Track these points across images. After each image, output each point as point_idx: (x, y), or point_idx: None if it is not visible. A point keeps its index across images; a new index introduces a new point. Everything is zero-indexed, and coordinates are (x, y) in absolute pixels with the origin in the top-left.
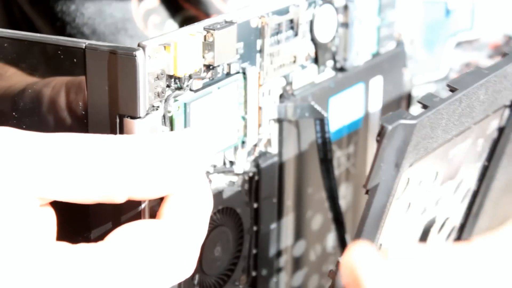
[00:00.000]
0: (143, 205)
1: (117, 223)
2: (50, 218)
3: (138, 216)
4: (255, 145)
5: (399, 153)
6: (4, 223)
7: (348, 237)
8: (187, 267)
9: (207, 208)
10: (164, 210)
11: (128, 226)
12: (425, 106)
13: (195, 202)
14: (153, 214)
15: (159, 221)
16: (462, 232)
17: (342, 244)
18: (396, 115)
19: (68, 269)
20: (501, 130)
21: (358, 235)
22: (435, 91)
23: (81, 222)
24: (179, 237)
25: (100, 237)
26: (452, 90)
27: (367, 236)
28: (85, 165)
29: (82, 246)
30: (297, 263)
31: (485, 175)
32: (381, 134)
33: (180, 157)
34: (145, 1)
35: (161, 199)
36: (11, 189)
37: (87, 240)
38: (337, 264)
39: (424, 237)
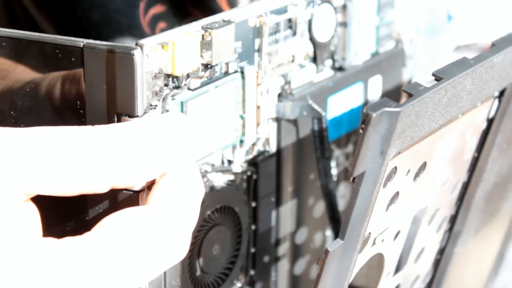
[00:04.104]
0: (141, 192)
1: (115, 210)
2: (34, 214)
3: (136, 201)
4: (254, 144)
5: (384, 141)
6: None
7: None
8: (178, 253)
9: (197, 192)
10: (152, 196)
11: (114, 216)
12: (410, 95)
13: (183, 187)
14: None
15: (146, 207)
16: (454, 224)
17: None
18: (380, 103)
19: (56, 264)
20: (490, 121)
21: (345, 223)
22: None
23: (78, 211)
24: (167, 223)
25: None
26: (438, 79)
27: (355, 224)
28: (65, 157)
29: (68, 239)
30: (296, 262)
31: (475, 166)
32: (365, 121)
33: (159, 140)
34: (153, 8)
35: None
36: None
37: (85, 228)
38: (326, 252)
39: (415, 227)
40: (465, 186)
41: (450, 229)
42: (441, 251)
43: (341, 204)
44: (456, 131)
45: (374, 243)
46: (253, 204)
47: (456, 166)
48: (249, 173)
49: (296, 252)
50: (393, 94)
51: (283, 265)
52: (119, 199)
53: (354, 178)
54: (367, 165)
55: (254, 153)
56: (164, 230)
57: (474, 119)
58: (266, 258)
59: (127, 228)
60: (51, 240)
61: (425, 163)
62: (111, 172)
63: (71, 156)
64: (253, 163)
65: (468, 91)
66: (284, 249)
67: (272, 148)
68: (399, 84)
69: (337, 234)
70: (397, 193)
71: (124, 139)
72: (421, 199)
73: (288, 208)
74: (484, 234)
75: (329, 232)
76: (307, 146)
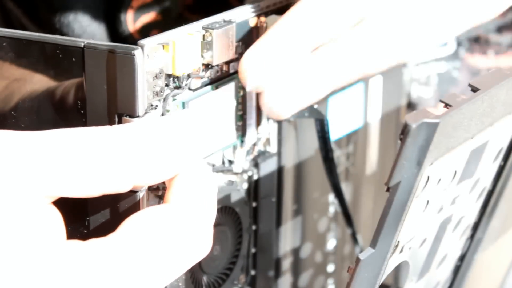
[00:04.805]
0: (141, 193)
1: (115, 211)
2: (58, 216)
3: (136, 203)
4: (254, 144)
5: (421, 152)
6: (16, 224)
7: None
8: (202, 248)
9: (212, 188)
10: (171, 193)
11: (138, 215)
12: (447, 105)
13: (199, 183)
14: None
15: (168, 205)
16: (476, 231)
17: (353, 237)
18: (419, 114)
19: (83, 266)
20: None
21: (378, 232)
22: (446, 71)
23: (79, 212)
24: (190, 219)
25: (99, 226)
26: (474, 90)
27: (387, 233)
28: (88, 158)
29: (94, 241)
30: (296, 262)
31: (500, 174)
32: (404, 132)
33: (176, 138)
34: (143, 15)
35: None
36: (19, 190)
37: (86, 229)
38: (357, 261)
39: (440, 235)
40: (489, 194)
41: (472, 236)
42: (462, 258)
43: None
44: (486, 140)
45: (401, 251)
46: (254, 204)
47: (483, 174)
48: (249, 173)
49: (297, 252)
50: (394, 94)
51: (284, 265)
52: (119, 199)
53: (388, 188)
54: (403, 175)
55: (255, 153)
56: (188, 226)
57: (503, 128)
58: (266, 258)
59: (152, 226)
60: (77, 242)
61: (455, 172)
62: (133, 171)
63: (95, 157)
64: (253, 163)
65: (502, 102)
66: (284, 249)
67: (273, 149)
68: (400, 84)
69: (351, 229)
70: (427, 201)
71: (144, 137)
72: (448, 207)
73: (288, 208)
74: (503, 241)
75: (331, 232)
76: (308, 146)
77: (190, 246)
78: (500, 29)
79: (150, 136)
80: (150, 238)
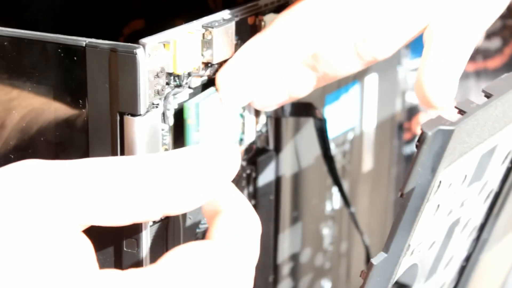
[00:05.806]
0: None
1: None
2: (89, 244)
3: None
4: (253, 143)
5: (436, 158)
6: (52, 251)
7: (346, 228)
8: (245, 286)
9: (256, 228)
10: (214, 230)
11: (180, 248)
12: (462, 112)
13: (243, 222)
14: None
15: (212, 242)
16: (482, 232)
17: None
18: (435, 121)
19: None
20: None
21: (391, 237)
22: None
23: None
24: (234, 257)
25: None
26: (488, 96)
27: (400, 238)
28: (122, 188)
29: (132, 272)
30: (294, 260)
31: (508, 176)
32: (420, 139)
33: (207, 168)
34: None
35: None
36: (55, 218)
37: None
38: (370, 265)
39: (448, 237)
40: (496, 196)
41: (478, 236)
42: (467, 258)
43: (339, 203)
44: (495, 144)
45: (412, 254)
46: (252, 202)
47: (491, 176)
48: (248, 171)
49: (295, 250)
50: (389, 93)
51: (282, 264)
52: None
53: (402, 194)
54: (417, 182)
55: (254, 151)
56: (232, 264)
57: (511, 131)
58: (265, 257)
59: (194, 262)
60: (112, 272)
61: (465, 176)
62: (165, 201)
63: (128, 187)
64: (252, 161)
65: None
66: (283, 247)
67: (271, 147)
68: (395, 82)
69: (354, 222)
70: (438, 205)
71: (175, 166)
72: (457, 210)
73: (287, 206)
74: (506, 241)
75: (328, 230)
76: (306, 144)
77: (230, 285)
78: (488, 35)
79: (181, 165)
80: (191, 274)
